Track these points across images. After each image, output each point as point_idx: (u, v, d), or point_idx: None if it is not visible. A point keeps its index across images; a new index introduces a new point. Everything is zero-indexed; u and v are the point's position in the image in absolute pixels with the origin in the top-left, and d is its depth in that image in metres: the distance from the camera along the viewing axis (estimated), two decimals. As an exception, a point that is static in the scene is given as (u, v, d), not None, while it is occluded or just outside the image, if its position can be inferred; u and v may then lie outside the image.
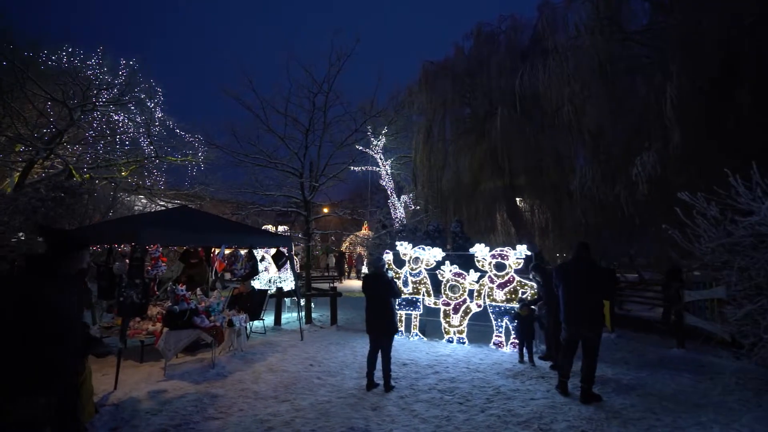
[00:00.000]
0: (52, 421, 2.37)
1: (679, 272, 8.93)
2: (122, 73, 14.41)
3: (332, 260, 26.41)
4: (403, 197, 21.75)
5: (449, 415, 4.32)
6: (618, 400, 4.67)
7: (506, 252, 7.36)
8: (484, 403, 4.68)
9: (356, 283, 21.30)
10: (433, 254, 8.09)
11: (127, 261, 6.01)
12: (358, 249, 24.83)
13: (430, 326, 8.18)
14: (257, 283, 9.95)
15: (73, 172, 12.77)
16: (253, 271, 7.27)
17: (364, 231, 24.51)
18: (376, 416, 4.32)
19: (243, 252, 7.47)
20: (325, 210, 20.79)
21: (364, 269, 22.99)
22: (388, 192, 21.36)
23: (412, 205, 21.49)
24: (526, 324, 6.34)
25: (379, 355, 5.20)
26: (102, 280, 6.50)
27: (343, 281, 22.07)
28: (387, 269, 6.05)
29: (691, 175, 7.70)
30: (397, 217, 20.66)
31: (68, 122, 12.84)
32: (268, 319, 9.05)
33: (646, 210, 9.44)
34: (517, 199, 18.01)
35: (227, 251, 6.91)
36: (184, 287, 6.03)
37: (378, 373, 5.21)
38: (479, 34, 17.90)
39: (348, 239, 25.55)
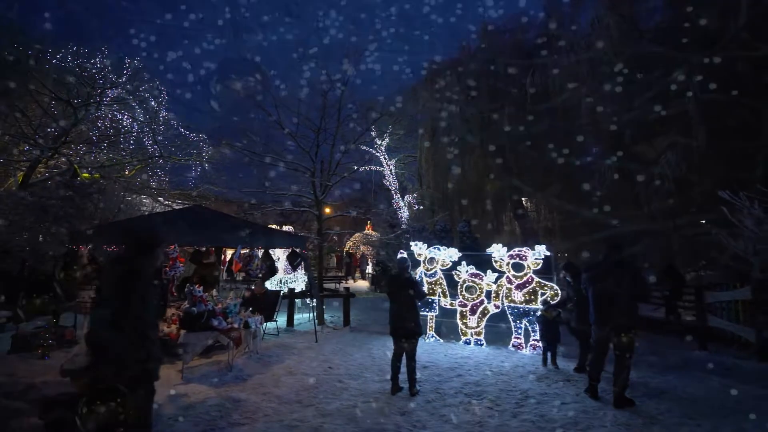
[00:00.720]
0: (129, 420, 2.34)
1: (674, 271, 8.82)
2: (126, 72, 14.29)
3: (333, 260, 26.25)
4: (407, 197, 21.61)
5: (481, 421, 4.20)
6: (651, 405, 4.56)
7: (525, 252, 7.24)
8: (515, 407, 4.56)
9: (362, 284, 21.18)
10: (448, 254, 7.95)
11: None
12: (362, 248, 24.63)
13: (445, 327, 8.06)
14: (268, 284, 9.81)
15: (77, 171, 12.62)
16: (271, 272, 7.14)
17: (368, 230, 24.36)
18: (406, 421, 4.19)
19: (258, 252, 7.33)
20: (327, 210, 20.62)
21: (369, 269, 22.86)
22: (392, 192, 21.21)
23: (416, 205, 21.35)
24: (552, 327, 6.17)
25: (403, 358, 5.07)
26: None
27: (355, 281, 21.98)
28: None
29: (718, 174, 7.56)
30: (402, 217, 20.54)
31: (73, 121, 12.69)
32: (281, 321, 8.91)
33: (667, 209, 9.31)
34: (523, 199, 17.91)
35: (243, 251, 6.77)
36: (201, 288, 5.90)
37: (401, 376, 5.08)
38: (485, 33, 17.81)
39: (351, 239, 25.35)
